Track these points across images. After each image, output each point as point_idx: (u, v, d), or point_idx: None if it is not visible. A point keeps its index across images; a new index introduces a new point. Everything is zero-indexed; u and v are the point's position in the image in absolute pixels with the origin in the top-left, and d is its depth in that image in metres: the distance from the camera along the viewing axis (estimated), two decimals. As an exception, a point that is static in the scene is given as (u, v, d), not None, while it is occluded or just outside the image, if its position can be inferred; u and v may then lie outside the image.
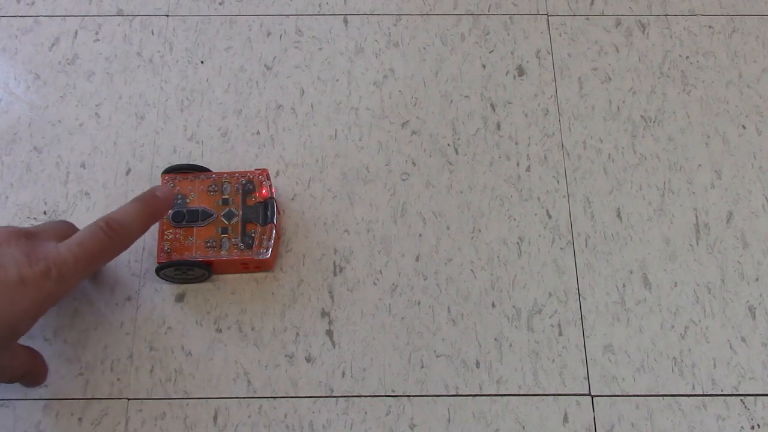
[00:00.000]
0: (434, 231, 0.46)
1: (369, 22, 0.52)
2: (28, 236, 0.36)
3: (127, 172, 0.48)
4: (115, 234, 0.38)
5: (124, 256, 0.42)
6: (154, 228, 0.43)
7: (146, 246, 0.45)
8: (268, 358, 0.43)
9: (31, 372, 0.40)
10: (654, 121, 0.49)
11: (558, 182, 0.47)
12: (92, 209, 0.46)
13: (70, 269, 0.36)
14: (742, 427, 0.42)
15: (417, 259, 0.45)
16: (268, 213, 0.43)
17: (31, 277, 0.34)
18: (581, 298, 0.44)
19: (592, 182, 0.48)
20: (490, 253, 0.46)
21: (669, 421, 0.42)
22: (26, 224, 0.46)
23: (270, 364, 0.43)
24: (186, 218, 0.43)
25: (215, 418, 0.42)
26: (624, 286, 0.45)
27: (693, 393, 0.42)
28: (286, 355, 0.43)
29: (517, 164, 0.48)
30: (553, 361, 0.43)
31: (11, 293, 0.34)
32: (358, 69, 0.51)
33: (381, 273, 0.45)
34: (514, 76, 0.51)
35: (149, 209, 0.40)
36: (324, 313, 0.44)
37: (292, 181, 0.47)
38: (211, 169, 0.46)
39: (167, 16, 0.52)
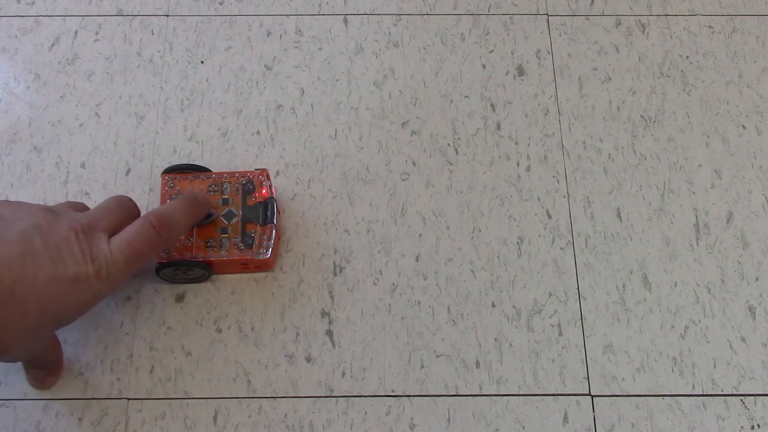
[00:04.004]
0: (434, 231, 0.46)
1: (369, 22, 0.52)
2: (86, 231, 0.36)
3: (127, 172, 0.48)
4: (166, 231, 0.38)
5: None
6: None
7: (146, 246, 0.45)
8: (268, 358, 0.43)
9: (57, 362, 0.41)
10: (654, 121, 0.49)
11: (558, 182, 0.47)
12: (92, 209, 0.46)
13: (119, 270, 0.36)
14: (742, 427, 0.42)
15: (417, 259, 0.45)
16: (268, 213, 0.43)
17: (85, 276, 0.35)
18: (581, 298, 0.44)
19: (592, 182, 0.47)
20: (490, 253, 0.46)
21: (669, 421, 0.42)
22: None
23: (270, 364, 0.43)
24: (186, 218, 0.43)
25: (215, 418, 0.42)
26: (624, 286, 0.45)
27: (693, 393, 0.42)
28: (286, 355, 0.43)
29: (517, 164, 0.48)
30: (553, 361, 0.43)
31: (65, 289, 0.34)
32: (358, 69, 0.51)
33: (381, 273, 0.45)
34: (514, 76, 0.51)
35: (194, 209, 0.41)
36: (324, 313, 0.44)
37: (292, 181, 0.47)
38: (211, 169, 0.46)
39: (167, 16, 0.52)
